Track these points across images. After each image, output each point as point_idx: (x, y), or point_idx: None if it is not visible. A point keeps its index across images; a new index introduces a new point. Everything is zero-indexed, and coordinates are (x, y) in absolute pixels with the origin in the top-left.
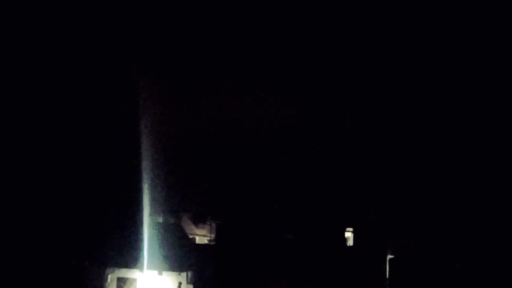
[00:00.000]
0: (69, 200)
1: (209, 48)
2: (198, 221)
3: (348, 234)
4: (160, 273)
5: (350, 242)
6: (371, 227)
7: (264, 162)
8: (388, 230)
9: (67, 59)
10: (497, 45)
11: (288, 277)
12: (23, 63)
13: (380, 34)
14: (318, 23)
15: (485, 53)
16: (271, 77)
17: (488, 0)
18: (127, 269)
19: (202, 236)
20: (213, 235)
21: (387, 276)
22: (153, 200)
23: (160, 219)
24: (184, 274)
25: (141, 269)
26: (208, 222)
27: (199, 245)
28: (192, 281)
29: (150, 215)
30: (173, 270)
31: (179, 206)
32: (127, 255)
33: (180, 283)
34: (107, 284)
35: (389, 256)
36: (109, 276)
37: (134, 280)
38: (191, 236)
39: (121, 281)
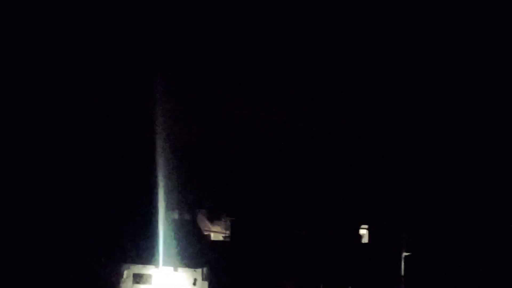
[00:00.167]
0: (86, 197)
1: (224, 47)
2: (213, 218)
3: (363, 232)
4: (175, 270)
5: (365, 240)
6: (386, 225)
7: (280, 159)
8: (403, 228)
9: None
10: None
11: (302, 274)
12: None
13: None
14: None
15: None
16: (284, 76)
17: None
18: (143, 265)
19: (217, 233)
20: (228, 232)
21: (403, 274)
22: (169, 197)
23: (176, 216)
24: (199, 270)
25: (156, 265)
26: (223, 219)
27: (214, 241)
28: (207, 277)
29: (166, 212)
30: (188, 267)
31: (194, 203)
32: (143, 252)
33: (195, 280)
34: (123, 280)
35: (405, 254)
36: (125, 272)
37: (150, 276)
38: (206, 233)
39: (137, 277)
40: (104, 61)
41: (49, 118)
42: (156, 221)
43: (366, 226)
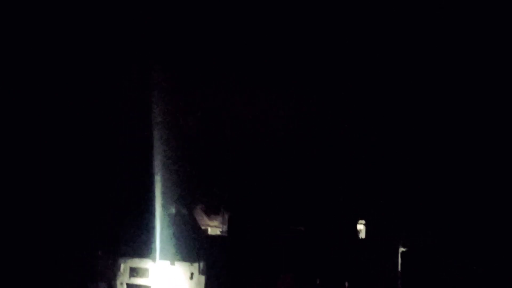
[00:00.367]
0: (83, 191)
1: (226, 46)
2: (210, 212)
3: (361, 227)
4: (172, 263)
5: (362, 235)
6: (384, 220)
7: (277, 154)
8: (400, 223)
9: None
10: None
11: (300, 269)
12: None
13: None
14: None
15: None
16: (286, 73)
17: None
18: (140, 259)
19: (214, 227)
20: (225, 226)
21: (399, 269)
22: (166, 191)
23: (173, 210)
24: (196, 264)
25: (153, 259)
26: (220, 214)
27: (211, 236)
28: (204, 271)
29: (163, 206)
30: (185, 261)
31: (192, 197)
32: (140, 245)
33: (192, 273)
34: (120, 273)
35: (401, 249)
36: (122, 266)
37: (147, 270)
38: (203, 227)
39: (133, 270)
40: (103, 59)
41: (44, 111)
42: (153, 215)
43: (363, 222)
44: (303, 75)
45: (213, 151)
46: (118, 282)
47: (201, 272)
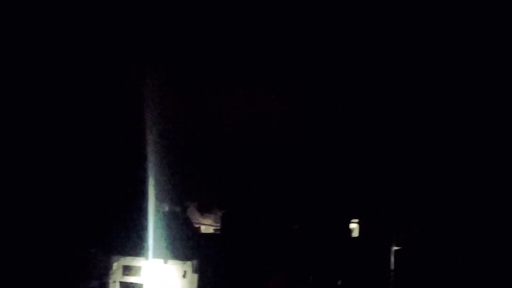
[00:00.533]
0: (76, 188)
1: (221, 44)
2: (204, 210)
3: (353, 226)
4: (165, 262)
5: (355, 234)
6: (377, 219)
7: (271, 152)
8: (393, 222)
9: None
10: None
11: (293, 267)
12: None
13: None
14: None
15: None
16: (279, 72)
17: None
18: (133, 257)
19: (207, 226)
20: (218, 225)
21: (392, 268)
22: (159, 189)
23: (166, 208)
24: (189, 263)
25: (146, 257)
26: (214, 212)
27: (204, 234)
28: (198, 270)
29: (156, 204)
30: (178, 259)
31: (185, 195)
32: (133, 244)
33: (185, 272)
34: (112, 271)
35: (394, 248)
36: (115, 264)
37: (140, 268)
38: (196, 225)
39: (126, 269)
40: (99, 59)
41: (34, 108)
42: (146, 213)
43: (356, 220)
44: (291, 73)
45: (207, 149)
46: (111, 280)
47: (194, 270)
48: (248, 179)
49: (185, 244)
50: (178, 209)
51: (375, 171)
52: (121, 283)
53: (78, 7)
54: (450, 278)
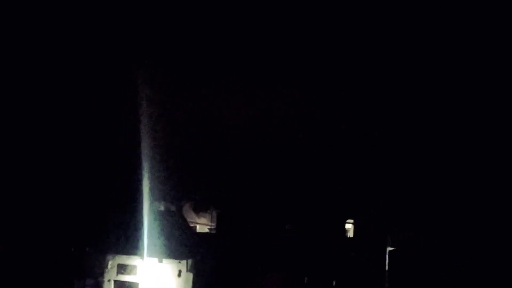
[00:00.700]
0: (71, 187)
1: (217, 44)
2: (199, 209)
3: (349, 226)
4: (160, 261)
5: (350, 234)
6: (371, 219)
7: (266, 152)
8: (388, 222)
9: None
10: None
11: (288, 267)
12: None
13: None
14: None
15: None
16: (274, 71)
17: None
18: (128, 256)
19: (202, 225)
20: (213, 224)
21: (387, 268)
22: (154, 188)
23: (161, 207)
24: (184, 262)
25: (141, 256)
26: (209, 211)
27: (199, 233)
28: (192, 269)
29: (152, 203)
30: (173, 258)
31: (180, 194)
32: (128, 242)
33: (180, 271)
34: (107, 270)
35: (389, 248)
36: (110, 263)
37: (135, 267)
38: (192, 225)
39: (121, 267)
40: (95, 57)
41: (29, 108)
42: (142, 212)
43: (351, 221)
44: (284, 70)
45: (203, 149)
46: (105, 279)
47: (189, 269)
48: (244, 179)
49: (180, 243)
50: (173, 208)
51: (370, 171)
52: (116, 282)
53: (78, 7)
54: (445, 279)
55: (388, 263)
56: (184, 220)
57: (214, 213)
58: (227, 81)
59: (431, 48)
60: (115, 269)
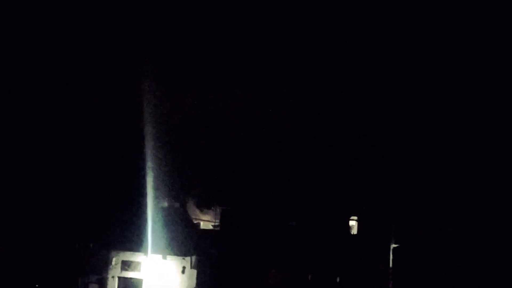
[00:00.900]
0: (75, 183)
1: (217, 43)
2: (202, 206)
3: (353, 223)
4: (164, 257)
5: (354, 231)
6: (376, 216)
7: (270, 149)
8: (392, 219)
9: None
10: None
11: (292, 264)
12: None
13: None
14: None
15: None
16: (275, 68)
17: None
18: (132, 253)
19: (206, 222)
20: (217, 221)
21: (391, 265)
22: (158, 184)
23: (165, 204)
24: (188, 258)
25: (145, 253)
26: (212, 208)
27: (203, 230)
28: (196, 266)
29: (155, 199)
30: (177, 255)
31: (184, 191)
32: (132, 239)
33: (184, 268)
34: (111, 267)
35: (393, 245)
36: (114, 259)
37: (139, 263)
38: (195, 221)
39: (125, 264)
40: (97, 57)
41: (32, 107)
42: (146, 209)
43: (355, 218)
44: (287, 70)
45: (206, 145)
46: (109, 276)
47: (193, 266)
48: (247, 175)
49: (184, 240)
50: (177, 205)
51: (374, 168)
52: (120, 278)
53: (77, 7)
54: (449, 276)
55: (392, 260)
56: (188, 217)
57: (218, 210)
58: (230, 80)
59: (431, 48)
60: (119, 266)
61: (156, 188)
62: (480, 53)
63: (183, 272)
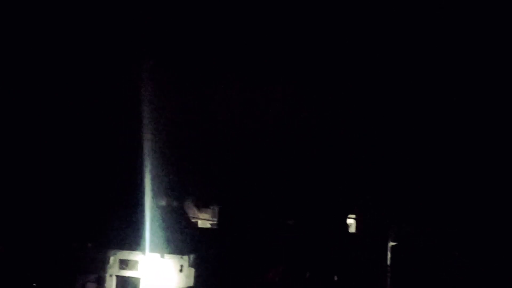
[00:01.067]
0: (72, 182)
1: (216, 43)
2: (200, 205)
3: (350, 221)
4: (162, 256)
5: (352, 229)
6: (373, 214)
7: (268, 147)
8: (390, 218)
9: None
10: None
11: (290, 262)
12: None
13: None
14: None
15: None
16: (273, 67)
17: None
18: (130, 251)
19: (204, 220)
20: (215, 219)
21: (389, 263)
22: (156, 183)
23: (163, 203)
24: (186, 257)
25: (143, 251)
26: (210, 206)
27: (201, 229)
28: (194, 264)
29: (153, 198)
30: (175, 253)
31: (182, 190)
32: (130, 238)
33: (182, 266)
34: (109, 265)
35: (391, 243)
36: (112, 258)
37: (136, 262)
38: (193, 220)
39: (123, 263)
40: (95, 55)
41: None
42: (144, 208)
43: (353, 216)
44: (286, 68)
45: (204, 144)
46: (107, 274)
47: (191, 264)
48: (245, 174)
49: (182, 239)
50: (175, 203)
51: (372, 166)
52: (118, 277)
53: (77, 7)
54: (446, 274)
55: (390, 258)
56: (186, 215)
57: (215, 209)
58: (228, 78)
59: (431, 48)
60: (117, 265)
61: (154, 187)
62: (480, 53)
63: (181, 270)
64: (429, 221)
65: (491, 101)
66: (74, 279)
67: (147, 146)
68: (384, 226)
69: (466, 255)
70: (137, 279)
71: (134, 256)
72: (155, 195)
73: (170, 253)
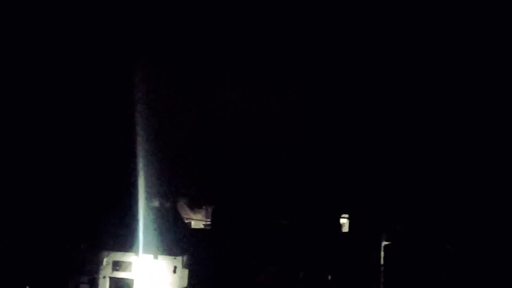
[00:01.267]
0: (65, 183)
1: (215, 43)
2: (194, 205)
3: (344, 221)
4: (155, 257)
5: (345, 229)
6: (366, 214)
7: (261, 147)
8: (383, 217)
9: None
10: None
11: (283, 262)
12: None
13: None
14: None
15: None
16: (266, 66)
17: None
18: (123, 253)
19: (197, 221)
20: (208, 220)
21: (382, 263)
22: (149, 184)
23: (156, 203)
24: (179, 258)
25: (136, 252)
26: (204, 207)
27: (194, 229)
28: (188, 265)
29: (146, 199)
30: (168, 254)
31: (175, 190)
32: (123, 239)
33: (175, 267)
34: (102, 267)
35: (384, 243)
36: (105, 260)
37: (130, 263)
38: (187, 221)
39: (116, 264)
40: (90, 55)
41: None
42: (137, 209)
43: (346, 216)
44: (277, 67)
45: (197, 144)
46: (100, 276)
47: (184, 265)
48: (239, 174)
49: (175, 240)
50: (168, 204)
51: (365, 166)
52: (111, 279)
53: (77, 7)
54: (440, 273)
55: (384, 257)
56: (179, 216)
57: (209, 209)
58: (221, 77)
59: (431, 48)
60: (110, 266)
61: (147, 188)
62: (480, 53)
63: (174, 271)
64: (423, 220)
65: (488, 103)
66: (66, 281)
67: (140, 147)
68: (377, 225)
69: (460, 254)
70: (131, 281)
71: (127, 257)
72: (148, 196)
73: (163, 254)
